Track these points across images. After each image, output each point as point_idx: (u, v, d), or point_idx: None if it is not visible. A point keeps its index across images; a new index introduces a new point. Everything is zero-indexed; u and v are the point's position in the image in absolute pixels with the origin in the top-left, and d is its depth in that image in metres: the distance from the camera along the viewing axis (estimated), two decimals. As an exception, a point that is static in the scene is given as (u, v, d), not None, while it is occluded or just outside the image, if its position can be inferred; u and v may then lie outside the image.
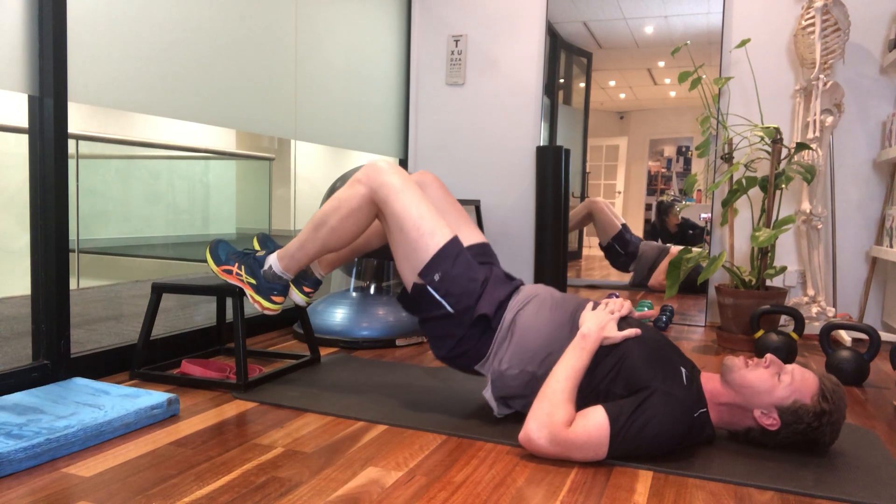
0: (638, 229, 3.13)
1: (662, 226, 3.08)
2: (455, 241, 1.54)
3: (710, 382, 1.44)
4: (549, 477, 1.26)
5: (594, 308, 1.50)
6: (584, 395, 1.40)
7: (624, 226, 3.12)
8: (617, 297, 3.06)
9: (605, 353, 1.41)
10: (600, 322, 1.43)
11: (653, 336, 1.46)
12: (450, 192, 1.76)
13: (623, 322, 1.48)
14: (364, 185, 1.57)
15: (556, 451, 1.31)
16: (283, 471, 1.26)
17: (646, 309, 2.87)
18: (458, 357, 1.54)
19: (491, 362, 1.52)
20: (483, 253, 1.68)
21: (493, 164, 3.34)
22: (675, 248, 3.05)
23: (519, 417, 1.59)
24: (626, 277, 3.13)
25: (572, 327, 1.47)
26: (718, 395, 1.42)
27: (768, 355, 1.40)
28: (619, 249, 3.12)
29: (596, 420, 1.30)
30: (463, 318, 1.50)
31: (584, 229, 3.20)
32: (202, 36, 2.12)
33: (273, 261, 1.72)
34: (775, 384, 1.35)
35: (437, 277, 1.50)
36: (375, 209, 1.59)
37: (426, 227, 1.52)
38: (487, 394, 1.54)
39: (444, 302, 1.50)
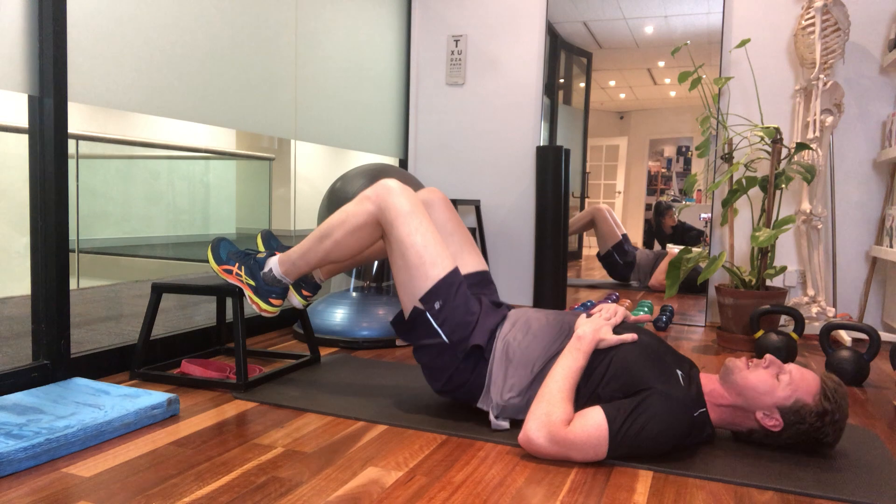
0: (637, 229, 3.12)
1: (658, 227, 3.08)
2: (455, 273, 1.54)
3: (710, 384, 1.44)
4: (549, 477, 1.26)
5: (588, 317, 1.51)
6: (582, 401, 1.40)
7: (624, 236, 3.12)
8: (616, 297, 3.07)
9: (599, 358, 1.42)
10: (596, 326, 1.44)
11: (648, 339, 1.46)
12: (455, 212, 1.76)
13: (619, 327, 1.49)
14: (373, 204, 1.56)
15: (555, 451, 1.31)
16: (283, 471, 1.26)
17: (644, 311, 2.87)
18: (456, 390, 1.54)
19: (491, 396, 1.51)
20: (480, 282, 1.69)
21: (493, 164, 3.34)
22: (672, 249, 3.05)
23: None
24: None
25: (566, 338, 1.48)
26: (719, 397, 1.42)
27: (767, 356, 1.41)
28: (618, 259, 3.12)
29: (594, 420, 1.30)
30: (457, 349, 1.50)
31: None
32: (202, 36, 2.12)
33: (273, 264, 1.72)
34: (776, 385, 1.35)
35: (437, 305, 1.50)
36: (380, 229, 1.59)
37: (428, 257, 1.51)
38: (495, 423, 1.50)
39: (440, 330, 1.50)
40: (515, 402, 1.47)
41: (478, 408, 1.57)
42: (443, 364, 1.52)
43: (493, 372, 1.51)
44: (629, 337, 1.43)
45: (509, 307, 1.65)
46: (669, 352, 1.46)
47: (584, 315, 1.52)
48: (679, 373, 1.40)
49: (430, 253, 1.52)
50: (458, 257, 1.71)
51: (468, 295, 1.55)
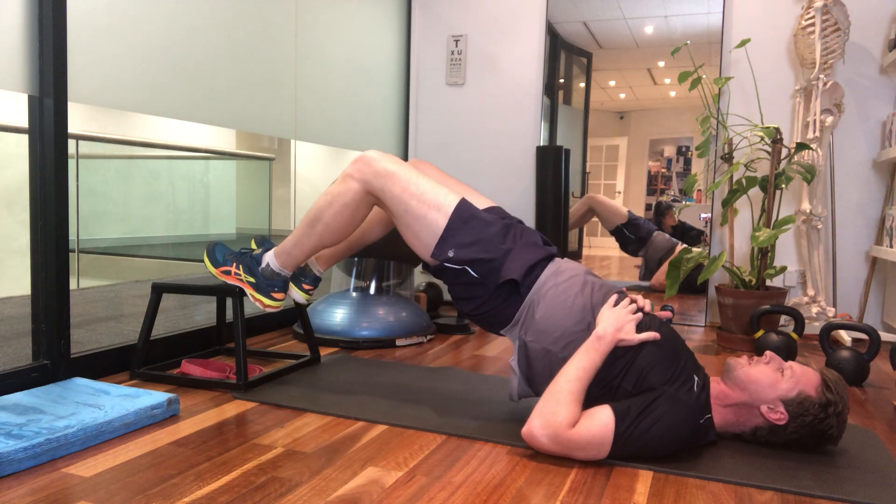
0: (638, 229, 3.13)
1: (659, 227, 3.07)
2: (462, 205, 1.51)
3: (716, 387, 1.44)
4: (549, 477, 1.26)
5: (617, 302, 1.45)
6: (597, 388, 1.39)
7: (630, 212, 3.11)
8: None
9: (622, 352, 1.39)
10: (618, 323, 1.39)
11: (671, 340, 1.43)
12: (445, 173, 1.74)
13: (645, 317, 1.44)
14: (356, 180, 1.55)
15: (557, 450, 1.31)
16: (283, 471, 1.26)
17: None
18: (483, 316, 1.52)
19: (518, 330, 1.50)
20: (499, 213, 1.64)
21: (493, 164, 3.34)
22: (681, 246, 3.04)
23: (520, 416, 1.59)
24: (626, 277, 3.13)
25: (594, 318, 1.44)
26: (724, 398, 1.42)
27: (768, 352, 1.42)
28: (629, 234, 3.10)
29: (601, 420, 1.30)
30: (488, 282, 1.48)
31: (585, 229, 3.20)
32: (202, 36, 2.12)
33: (270, 258, 1.72)
34: (778, 378, 1.37)
35: (451, 253, 1.48)
36: (370, 202, 1.58)
37: (430, 201, 1.50)
38: (514, 362, 1.52)
39: (468, 269, 1.48)
40: (535, 347, 1.46)
41: (500, 334, 1.55)
42: (476, 294, 1.50)
43: (525, 309, 1.49)
44: (651, 336, 1.39)
45: (557, 251, 1.59)
46: (690, 357, 1.44)
47: (611, 300, 1.45)
48: (696, 378, 1.39)
49: (430, 197, 1.50)
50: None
51: (481, 224, 1.51)
